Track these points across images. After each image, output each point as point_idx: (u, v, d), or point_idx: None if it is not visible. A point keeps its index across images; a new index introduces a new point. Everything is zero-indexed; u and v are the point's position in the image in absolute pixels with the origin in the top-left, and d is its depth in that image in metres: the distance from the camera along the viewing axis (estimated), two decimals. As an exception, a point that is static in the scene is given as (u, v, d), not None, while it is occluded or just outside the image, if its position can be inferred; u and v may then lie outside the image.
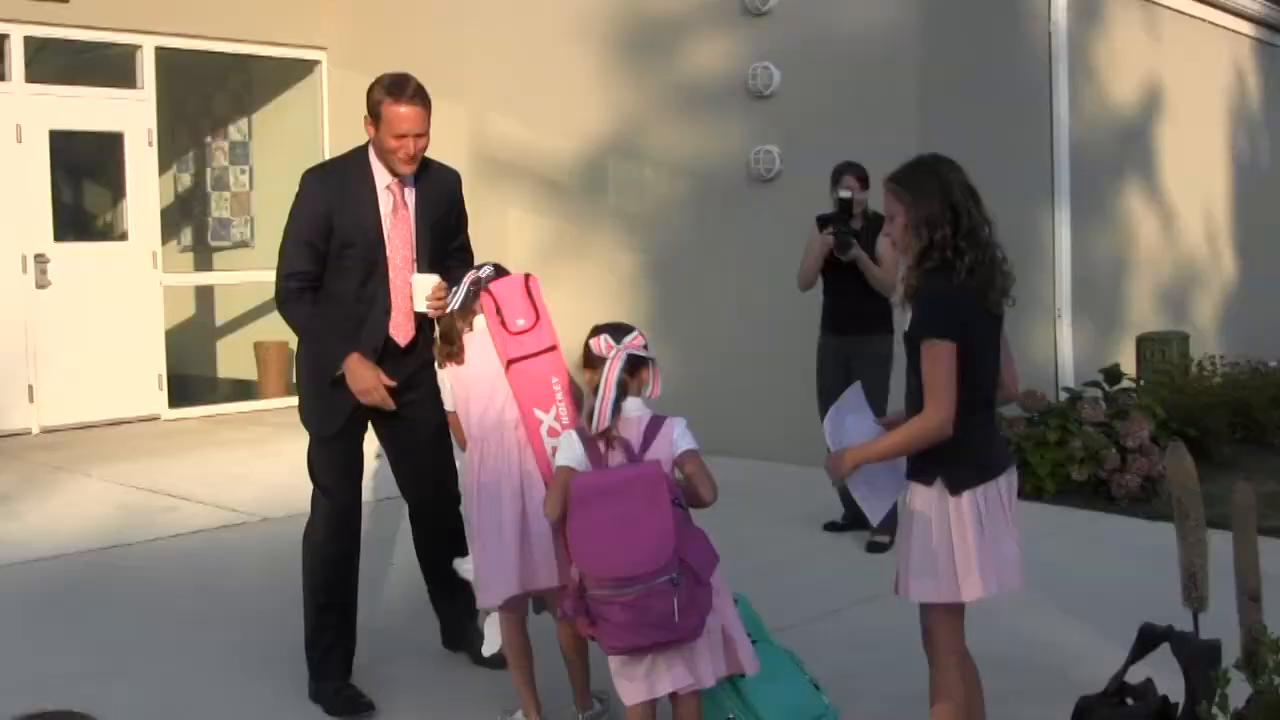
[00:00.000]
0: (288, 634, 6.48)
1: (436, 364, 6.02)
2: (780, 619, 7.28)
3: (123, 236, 14.42)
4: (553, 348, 5.84)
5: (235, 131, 16.70)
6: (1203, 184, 16.10)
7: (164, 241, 14.82)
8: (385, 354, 6.27)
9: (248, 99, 16.60)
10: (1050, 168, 12.92)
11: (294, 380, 6.83)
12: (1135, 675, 4.25)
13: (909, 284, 4.95)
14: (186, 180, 17.21)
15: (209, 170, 16.83)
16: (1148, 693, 4.32)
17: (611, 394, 5.08)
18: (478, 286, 5.92)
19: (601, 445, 5.11)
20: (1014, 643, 7.04)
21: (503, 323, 5.77)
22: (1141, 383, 12.82)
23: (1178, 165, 15.16)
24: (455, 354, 5.90)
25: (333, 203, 6.18)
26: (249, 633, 7.00)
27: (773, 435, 11.80)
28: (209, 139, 16.93)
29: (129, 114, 14.13)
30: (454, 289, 6.00)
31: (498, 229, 13.78)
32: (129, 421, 13.76)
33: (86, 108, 13.92)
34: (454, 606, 6.75)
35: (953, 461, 4.83)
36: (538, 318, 5.81)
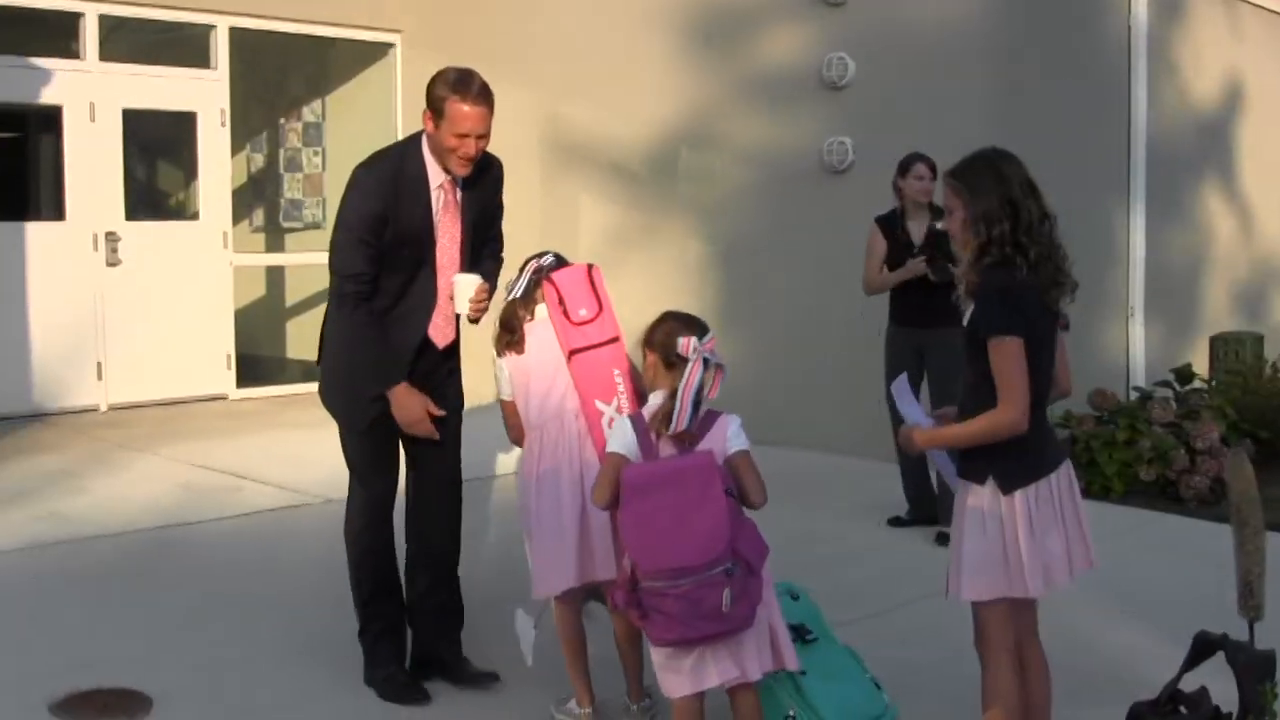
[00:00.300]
0: (347, 616, 6.44)
1: (495, 352, 5.98)
2: (841, 614, 7.23)
3: (194, 216, 14.45)
4: (615, 339, 5.82)
5: (309, 113, 16.72)
6: (1281, 185, 15.93)
7: (235, 222, 14.89)
8: (419, 354, 6.19)
9: (322, 80, 16.61)
10: (1126, 164, 12.77)
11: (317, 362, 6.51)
12: (1190, 683, 4.18)
13: (969, 280, 4.91)
14: (259, 161, 17.25)
15: (282, 151, 16.86)
16: (1201, 701, 4.26)
17: (691, 399, 5.03)
18: (540, 275, 5.90)
19: (654, 435, 5.06)
20: (1073, 644, 6.95)
21: (565, 313, 5.76)
22: (1213, 383, 12.67)
23: (1257, 164, 14.98)
24: (516, 343, 5.86)
25: (389, 202, 5.98)
26: (308, 614, 6.98)
27: (838, 428, 11.75)
28: (282, 120, 16.95)
29: (202, 94, 14.16)
30: (515, 280, 5.99)
31: (568, 215, 13.77)
32: (196, 400, 13.81)
33: (160, 87, 13.97)
34: (439, 629, 6.51)
35: (1005, 460, 4.83)
36: (600, 308, 5.80)
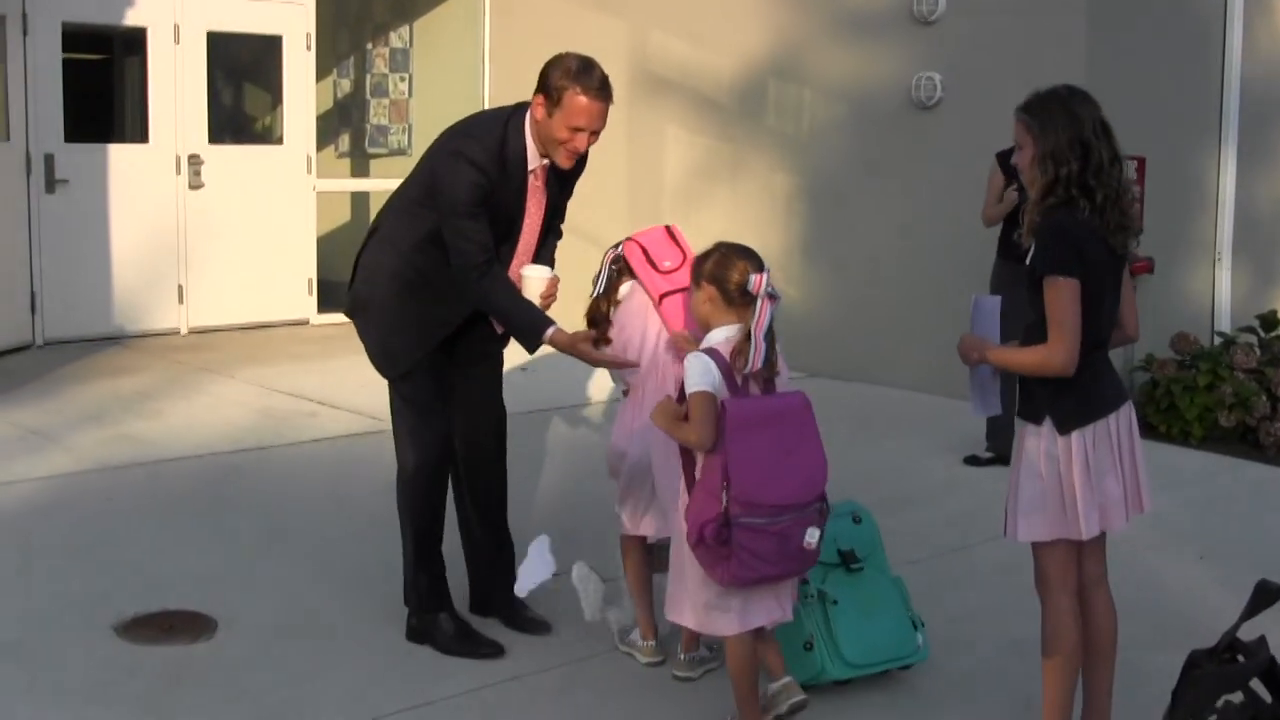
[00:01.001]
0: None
1: None
2: (909, 553, 7.20)
3: (278, 140, 14.44)
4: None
5: (396, 39, 16.67)
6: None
7: (320, 147, 14.90)
8: (472, 322, 6.14)
9: (410, 6, 16.54)
10: (1219, 107, 12.55)
11: (368, 324, 6.23)
12: (1250, 631, 4.12)
13: (1031, 219, 4.85)
14: (345, 86, 17.24)
15: (368, 76, 16.84)
16: (1258, 650, 4.20)
17: (763, 337, 4.99)
18: (619, 265, 5.99)
19: (736, 375, 5.03)
20: (1143, 587, 6.94)
21: (651, 264, 5.90)
22: (1300, 331, 12.52)
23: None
24: (602, 336, 5.86)
25: (495, 181, 5.79)
26: (379, 541, 6.97)
27: (919, 365, 11.68)
28: (369, 45, 16.92)
29: (288, 17, 14.15)
30: (597, 276, 6.03)
31: (654, 146, 13.71)
32: (277, 325, 13.85)
33: (245, 10, 13.94)
34: (494, 568, 6.48)
35: (1061, 401, 4.81)
36: (684, 257, 5.90)
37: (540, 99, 5.75)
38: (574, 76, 5.69)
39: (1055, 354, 4.69)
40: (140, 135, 13.39)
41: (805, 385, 12.01)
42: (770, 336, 5.02)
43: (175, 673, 5.75)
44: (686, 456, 5.07)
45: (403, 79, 16.48)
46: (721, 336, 5.09)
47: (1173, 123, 12.03)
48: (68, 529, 7.61)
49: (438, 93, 15.93)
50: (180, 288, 13.36)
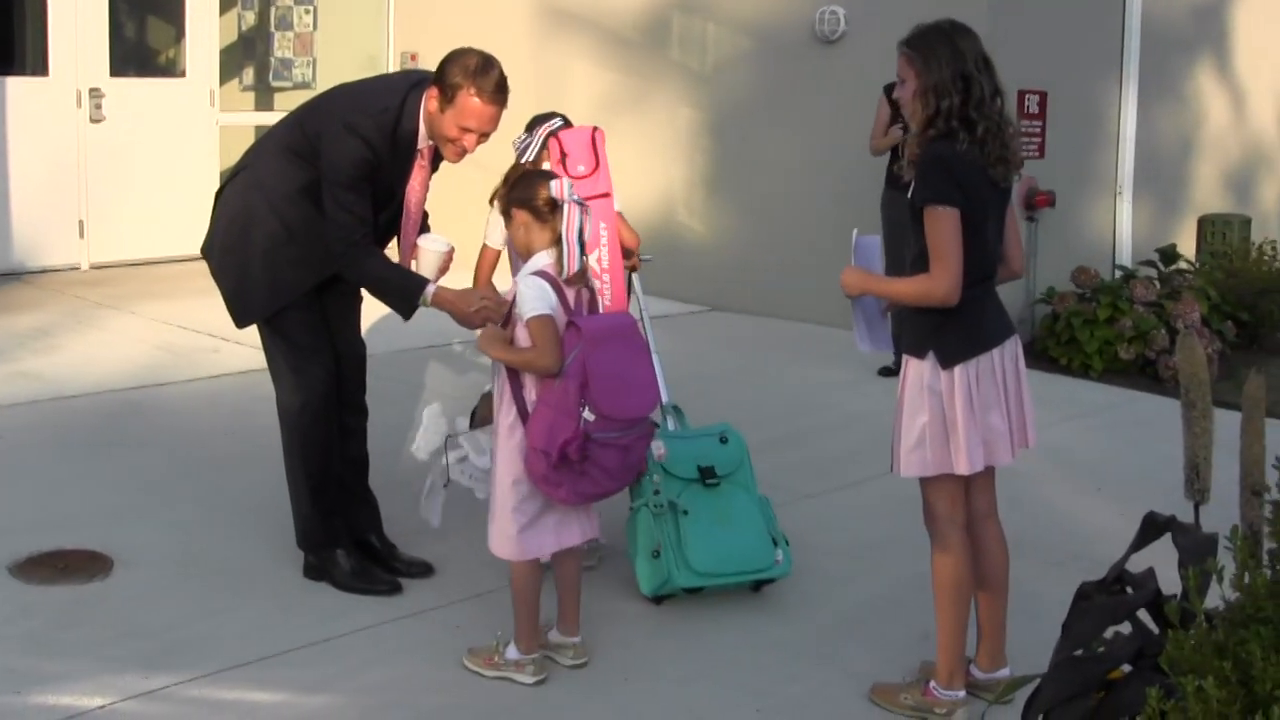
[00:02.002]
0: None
1: (492, 203, 6.16)
2: (810, 485, 7.25)
3: (181, 74, 14.26)
4: (606, 194, 6.36)
5: (301, -30, 16.54)
6: (1276, 66, 15.74)
7: (223, 80, 14.71)
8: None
9: (316, -63, 16.42)
10: (1120, 41, 12.62)
11: (225, 269, 6.14)
12: (1139, 564, 4.17)
13: (912, 151, 4.91)
14: (249, 19, 17.04)
15: (272, 9, 16.65)
16: (1146, 582, 4.25)
17: (576, 240, 5.13)
18: (548, 138, 6.32)
19: (571, 294, 5.17)
20: (1036, 518, 7.03)
21: (565, 168, 6.20)
22: (1198, 264, 12.64)
23: (1250, 47, 14.79)
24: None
25: (382, 158, 5.72)
26: (277, 479, 6.93)
27: (824, 298, 11.74)
28: (274, -23, 16.79)
29: (192, -52, 13.99)
30: (524, 141, 6.37)
31: (560, 80, 13.66)
32: (179, 261, 13.66)
33: (148, -59, 13.74)
34: (364, 509, 6.43)
35: (945, 335, 4.88)
36: (597, 165, 6.30)
37: (435, 92, 5.68)
38: (471, 76, 5.60)
39: (938, 283, 4.75)
40: (40, 68, 13.14)
41: (708, 319, 12.14)
42: (582, 240, 5.15)
43: (69, 611, 5.72)
44: (516, 385, 5.14)
45: (307, 11, 16.31)
46: (547, 259, 5.19)
47: (1075, 57, 12.10)
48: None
49: (342, 26, 15.81)
50: (81, 223, 13.18)
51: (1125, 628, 4.41)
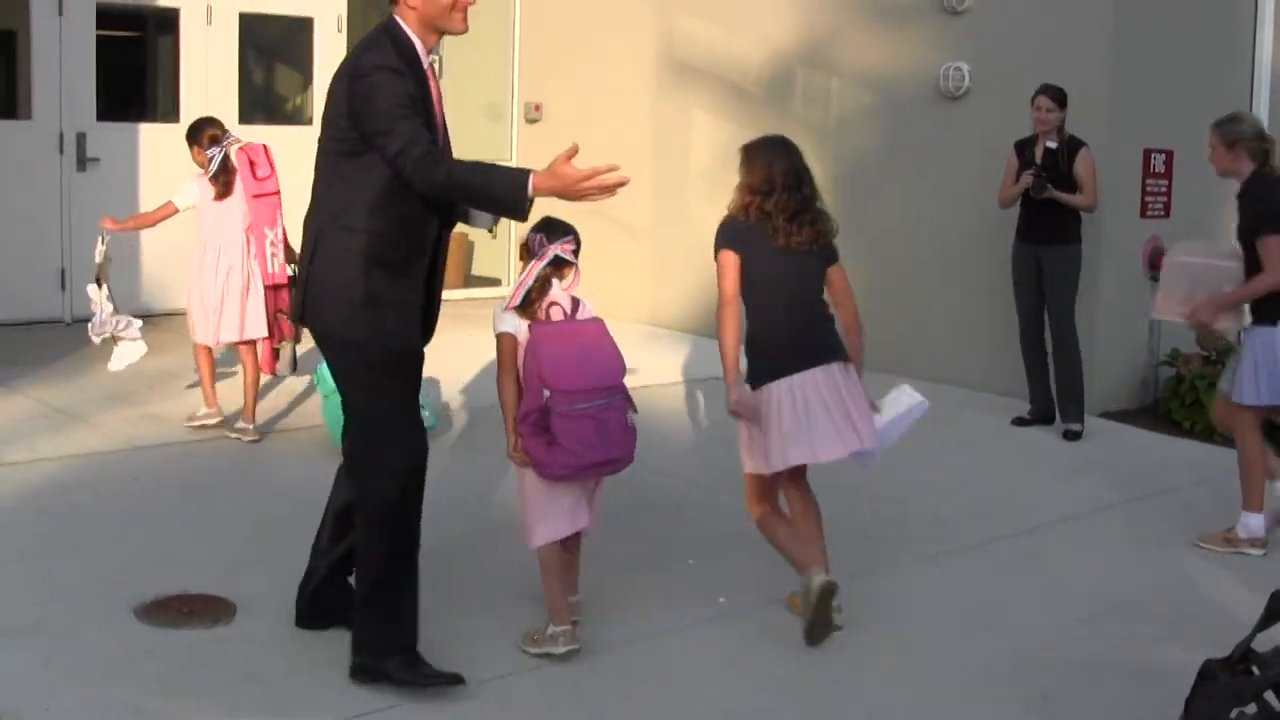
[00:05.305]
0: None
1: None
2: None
3: (308, 121, 14.46)
4: (278, 192, 9.23)
5: (428, 21, 16.66)
6: None
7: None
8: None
9: (444, -11, 16.54)
10: (1249, 100, 12.48)
11: (328, 299, 5.48)
12: (1265, 643, 4.13)
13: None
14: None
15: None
16: (1274, 662, 4.20)
17: (529, 282, 5.90)
18: (239, 149, 9.23)
19: (544, 310, 5.95)
20: (1169, 584, 6.96)
21: (254, 174, 9.14)
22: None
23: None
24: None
25: (409, 77, 5.37)
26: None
27: (951, 356, 11.76)
28: (401, 26, 16.90)
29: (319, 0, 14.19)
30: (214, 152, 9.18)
31: (681, 129, 13.74)
32: (172, 315, 13.45)
33: (277, -8, 13.95)
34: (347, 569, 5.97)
35: (751, 360, 6.35)
36: (272, 172, 9.22)
37: None
38: None
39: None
40: (173, 115, 13.37)
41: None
42: (540, 285, 5.91)
43: (193, 655, 5.79)
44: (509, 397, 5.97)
45: (434, 59, 16.49)
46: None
47: (1201, 116, 11.98)
48: (91, 507, 7.68)
49: (469, 75, 15.95)
50: (62, 271, 13.06)
51: (1251, 707, 4.35)
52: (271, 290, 9.12)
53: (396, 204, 5.40)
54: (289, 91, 15.87)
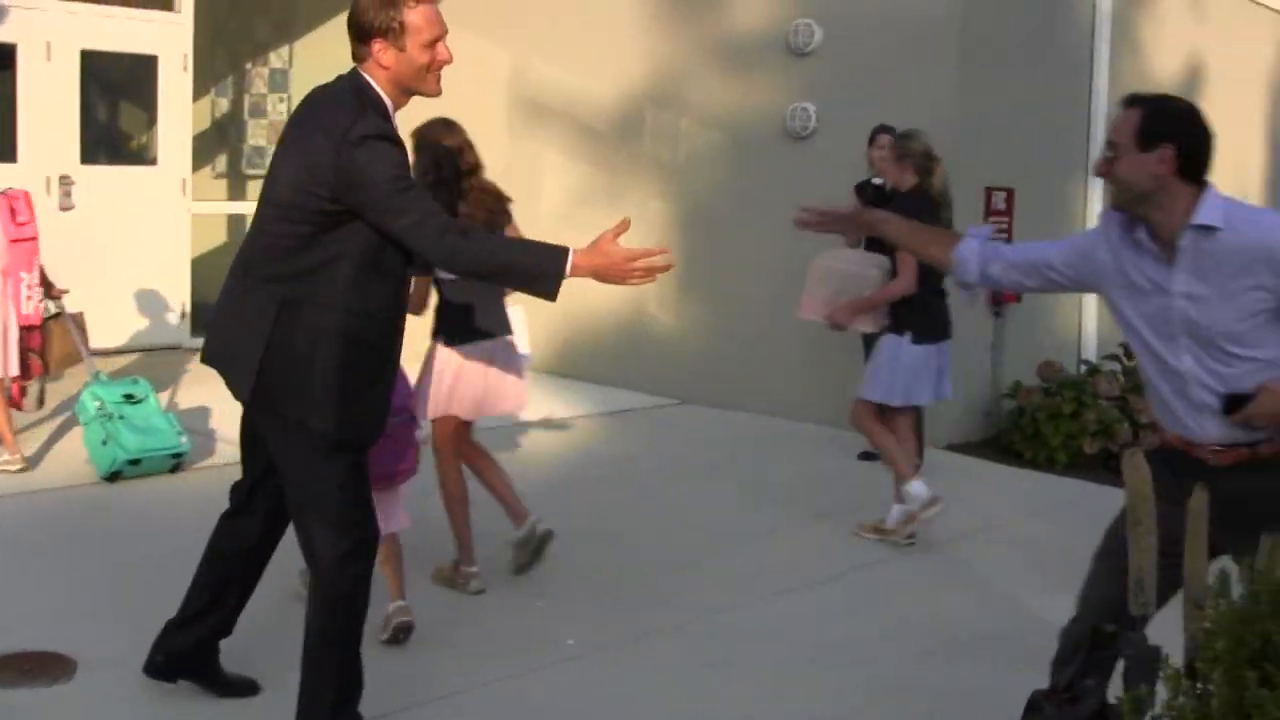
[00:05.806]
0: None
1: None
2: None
3: (152, 161, 14.31)
4: (35, 237, 9.39)
5: (275, 58, 16.62)
6: (1241, 168, 15.87)
7: (196, 168, 14.78)
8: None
9: (290, 26, 16.48)
10: (1086, 143, 12.77)
11: (310, 378, 5.10)
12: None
13: None
14: (223, 106, 17.15)
15: (246, 97, 16.77)
16: (1096, 692, 4.31)
17: None
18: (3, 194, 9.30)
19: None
20: (1011, 612, 7.06)
21: (14, 220, 9.18)
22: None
23: (1216, 148, 14.91)
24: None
25: (406, 159, 5.13)
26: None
27: (792, 393, 11.86)
28: (248, 65, 16.85)
29: (165, 37, 14.04)
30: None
31: (533, 170, 13.77)
32: (150, 350, 13.61)
33: (120, 29, 13.79)
34: (226, 621, 5.88)
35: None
36: (31, 218, 9.36)
37: (378, 44, 5.03)
38: None
39: None
40: (9, 154, 13.13)
41: (676, 411, 12.13)
42: None
43: (32, 716, 5.68)
44: None
45: (281, 99, 16.43)
46: None
47: (1041, 154, 12.23)
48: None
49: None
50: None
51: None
52: (25, 331, 9.32)
53: (375, 279, 5.08)
54: (134, 130, 15.70)
